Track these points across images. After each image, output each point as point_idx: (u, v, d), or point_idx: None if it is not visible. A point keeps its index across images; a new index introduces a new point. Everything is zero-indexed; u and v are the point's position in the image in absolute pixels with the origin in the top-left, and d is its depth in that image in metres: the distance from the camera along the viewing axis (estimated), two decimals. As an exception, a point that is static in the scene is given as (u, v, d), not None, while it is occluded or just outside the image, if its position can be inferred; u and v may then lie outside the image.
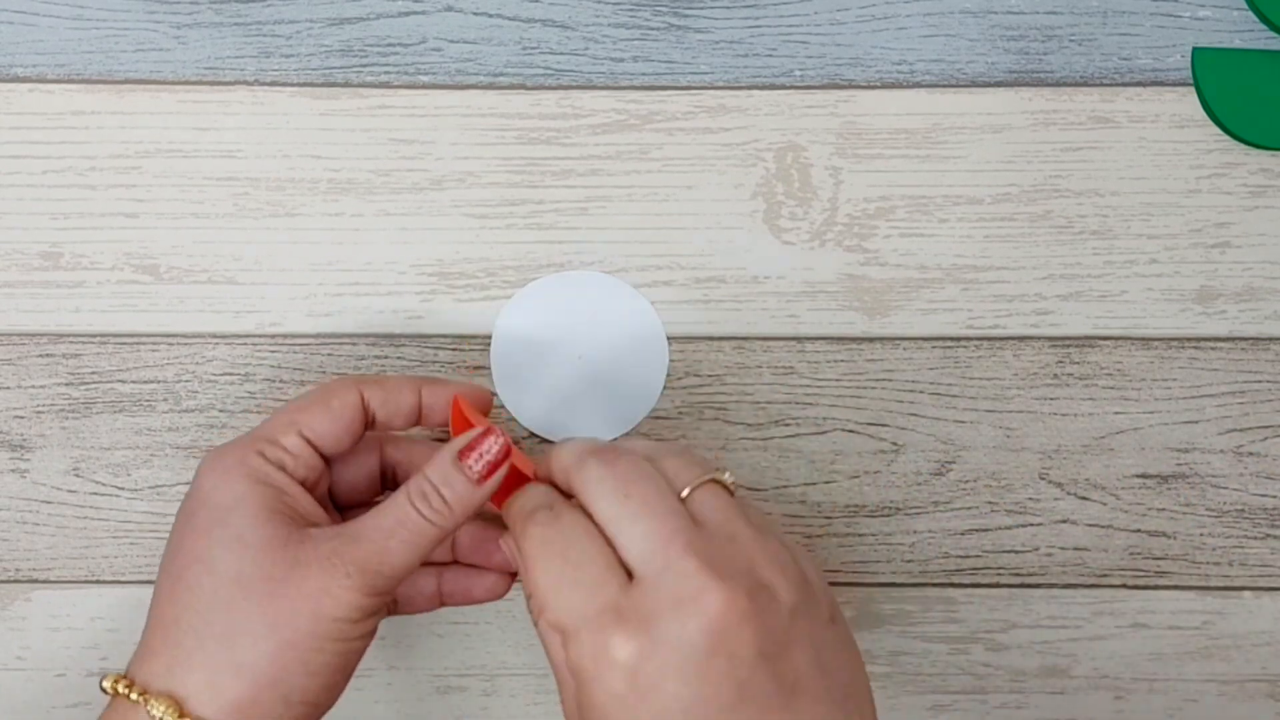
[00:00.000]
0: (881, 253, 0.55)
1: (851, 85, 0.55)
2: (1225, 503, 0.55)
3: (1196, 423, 0.55)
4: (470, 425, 0.47)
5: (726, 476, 0.45)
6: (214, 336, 0.55)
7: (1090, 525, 0.55)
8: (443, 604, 0.51)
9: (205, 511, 0.45)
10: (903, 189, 0.55)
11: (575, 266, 0.55)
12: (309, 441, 0.47)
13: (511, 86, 0.55)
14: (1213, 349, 0.55)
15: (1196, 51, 0.54)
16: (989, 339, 0.55)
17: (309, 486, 0.47)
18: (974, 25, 0.55)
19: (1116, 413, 0.55)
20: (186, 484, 0.54)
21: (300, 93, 0.55)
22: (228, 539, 0.44)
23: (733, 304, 0.55)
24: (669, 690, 0.41)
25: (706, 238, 0.55)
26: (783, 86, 0.55)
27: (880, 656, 0.55)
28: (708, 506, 0.44)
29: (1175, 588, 0.55)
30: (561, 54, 0.55)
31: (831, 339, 0.55)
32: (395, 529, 0.45)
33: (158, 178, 0.55)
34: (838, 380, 0.55)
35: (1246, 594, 0.55)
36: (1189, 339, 0.55)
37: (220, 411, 0.55)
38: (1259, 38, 0.55)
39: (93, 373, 0.55)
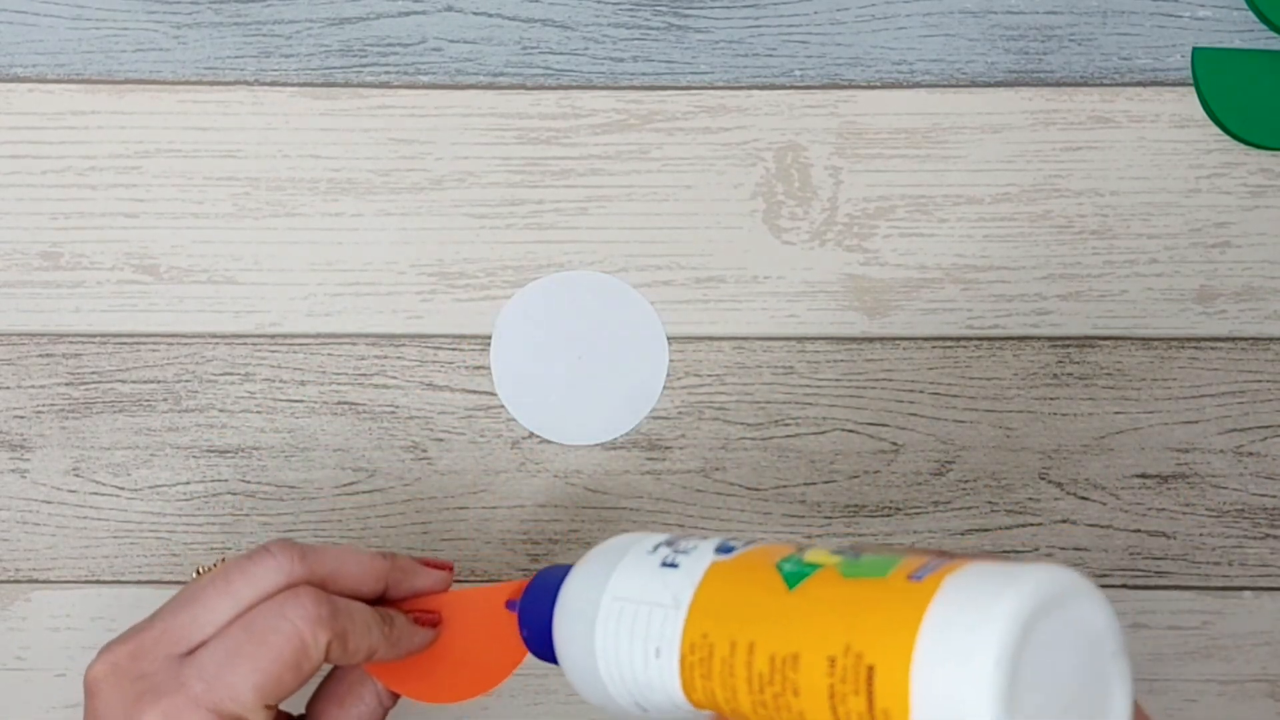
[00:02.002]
0: (881, 253, 0.55)
1: (851, 85, 0.55)
2: (1225, 503, 0.55)
3: (1196, 423, 0.55)
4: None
5: None
6: (214, 336, 0.55)
7: (1090, 525, 0.55)
8: None
9: None
10: (903, 189, 0.55)
11: (575, 266, 0.55)
12: (274, 706, 0.42)
13: (511, 86, 0.55)
14: (1213, 349, 0.55)
15: (1196, 51, 0.54)
16: (989, 339, 0.55)
17: None
18: (974, 25, 0.55)
19: (1116, 413, 0.55)
20: (186, 483, 0.55)
21: (300, 93, 0.55)
22: None
23: (733, 304, 0.55)
24: None
25: (706, 238, 0.55)
26: (783, 86, 0.55)
27: (880, 656, 0.55)
28: None
29: (1175, 588, 0.55)
30: (561, 54, 0.55)
31: (831, 339, 0.55)
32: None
33: (158, 178, 0.55)
34: (838, 380, 0.55)
35: (1246, 594, 0.55)
36: (1189, 339, 0.55)
37: (220, 411, 0.55)
38: (1259, 38, 0.55)
39: (93, 373, 0.55)
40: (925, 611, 0.32)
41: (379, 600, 0.45)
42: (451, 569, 0.47)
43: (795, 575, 0.36)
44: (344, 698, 0.45)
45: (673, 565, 0.39)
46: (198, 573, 0.45)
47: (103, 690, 0.40)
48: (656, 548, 0.40)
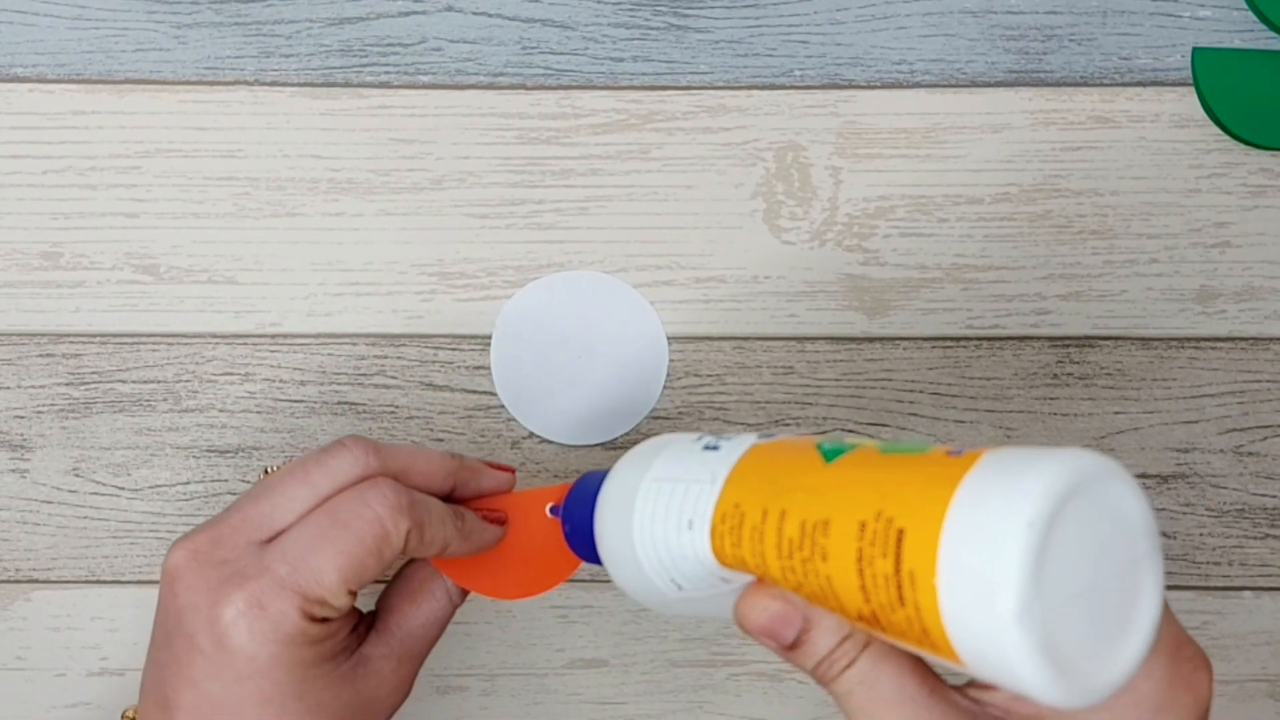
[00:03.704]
0: (881, 253, 0.55)
1: (851, 85, 0.55)
2: (1225, 503, 0.55)
3: (1196, 423, 0.55)
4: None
5: None
6: (214, 336, 0.55)
7: (1090, 525, 0.55)
8: None
9: (264, 681, 0.41)
10: (903, 189, 0.55)
11: (575, 266, 0.55)
12: (355, 592, 0.42)
13: (511, 86, 0.55)
14: (1213, 349, 0.55)
15: (1196, 51, 0.54)
16: (989, 339, 0.55)
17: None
18: (974, 25, 0.55)
19: (1116, 413, 0.55)
20: (186, 483, 0.55)
21: (300, 93, 0.55)
22: (307, 710, 0.42)
23: (733, 304, 0.55)
24: None
25: (706, 238, 0.55)
26: (783, 86, 0.55)
27: (880, 656, 0.55)
28: None
29: (1175, 588, 0.55)
30: (561, 54, 0.55)
31: (831, 339, 0.55)
32: (433, 624, 0.46)
33: (158, 178, 0.55)
34: (838, 380, 0.55)
35: (1246, 594, 0.55)
36: (1189, 339, 0.55)
37: (220, 411, 0.55)
38: (1259, 38, 0.55)
39: (93, 373, 0.55)
40: (961, 481, 0.32)
41: (446, 499, 0.45)
42: (514, 471, 0.48)
43: (834, 452, 0.36)
44: (415, 593, 0.46)
45: (714, 448, 0.40)
46: (266, 472, 0.45)
47: (184, 575, 0.41)
48: (700, 438, 0.41)
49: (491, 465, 0.47)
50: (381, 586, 0.47)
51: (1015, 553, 0.30)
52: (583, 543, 0.43)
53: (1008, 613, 0.30)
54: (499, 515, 0.47)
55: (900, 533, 0.32)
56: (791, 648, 0.37)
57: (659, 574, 0.39)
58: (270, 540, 0.41)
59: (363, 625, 0.45)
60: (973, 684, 0.37)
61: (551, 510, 0.46)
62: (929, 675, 0.36)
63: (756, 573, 0.37)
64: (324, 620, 0.41)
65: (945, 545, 0.31)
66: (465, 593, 0.47)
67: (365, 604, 0.46)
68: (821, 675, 0.37)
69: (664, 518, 0.39)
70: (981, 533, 0.31)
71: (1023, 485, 0.31)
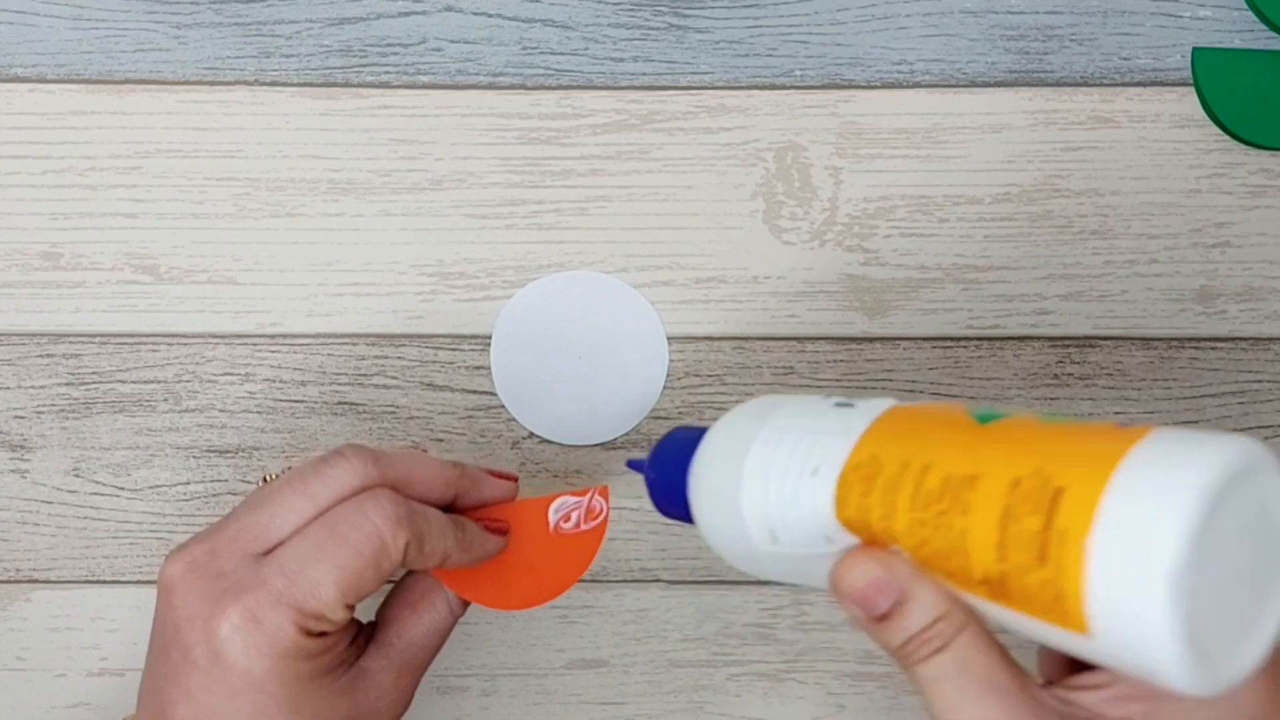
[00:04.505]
0: (881, 253, 0.55)
1: (851, 85, 0.55)
2: (1225, 503, 0.55)
3: (1196, 423, 0.55)
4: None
5: None
6: (214, 336, 0.55)
7: (1090, 525, 0.55)
8: None
9: (259, 695, 0.40)
10: (903, 189, 0.55)
11: (575, 266, 0.55)
12: (353, 605, 0.42)
13: (511, 86, 0.55)
14: (1213, 349, 0.55)
15: (1196, 51, 0.54)
16: (989, 339, 0.55)
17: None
18: (974, 25, 0.55)
19: (1116, 413, 0.55)
20: (186, 484, 0.55)
21: (300, 93, 0.55)
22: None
23: (733, 304, 0.55)
24: None
25: (706, 238, 0.55)
26: (783, 86, 0.55)
27: (881, 657, 0.55)
28: None
29: (1175, 588, 0.55)
30: (561, 54, 0.55)
31: (831, 339, 0.55)
32: (434, 635, 0.46)
33: (158, 178, 0.55)
34: (838, 380, 0.55)
35: (1247, 594, 0.55)
36: (1189, 339, 0.55)
37: (220, 411, 0.55)
38: (1259, 38, 0.55)
39: (93, 373, 0.55)
40: (1132, 445, 0.31)
41: (447, 508, 0.45)
42: (517, 480, 0.47)
43: (989, 416, 0.36)
44: (416, 604, 0.46)
45: (848, 405, 0.39)
46: (264, 480, 0.45)
47: (180, 588, 0.40)
48: (829, 396, 0.40)
49: (494, 473, 0.47)
50: (381, 596, 0.47)
51: (1182, 517, 0.29)
52: (665, 490, 0.42)
53: (1163, 577, 0.29)
54: (501, 525, 0.46)
55: (1058, 491, 0.32)
56: (881, 619, 0.36)
57: (758, 522, 0.38)
58: (268, 552, 0.41)
59: (362, 636, 0.45)
60: (1057, 683, 0.36)
61: (629, 464, 0.46)
62: (1019, 670, 0.35)
63: (875, 528, 0.36)
64: (321, 634, 0.41)
65: (1106, 504, 0.31)
66: (466, 603, 0.46)
67: (365, 614, 0.46)
68: (907, 655, 0.36)
69: (784, 462, 0.38)
70: (1149, 494, 0.30)
71: (1199, 456, 0.30)
